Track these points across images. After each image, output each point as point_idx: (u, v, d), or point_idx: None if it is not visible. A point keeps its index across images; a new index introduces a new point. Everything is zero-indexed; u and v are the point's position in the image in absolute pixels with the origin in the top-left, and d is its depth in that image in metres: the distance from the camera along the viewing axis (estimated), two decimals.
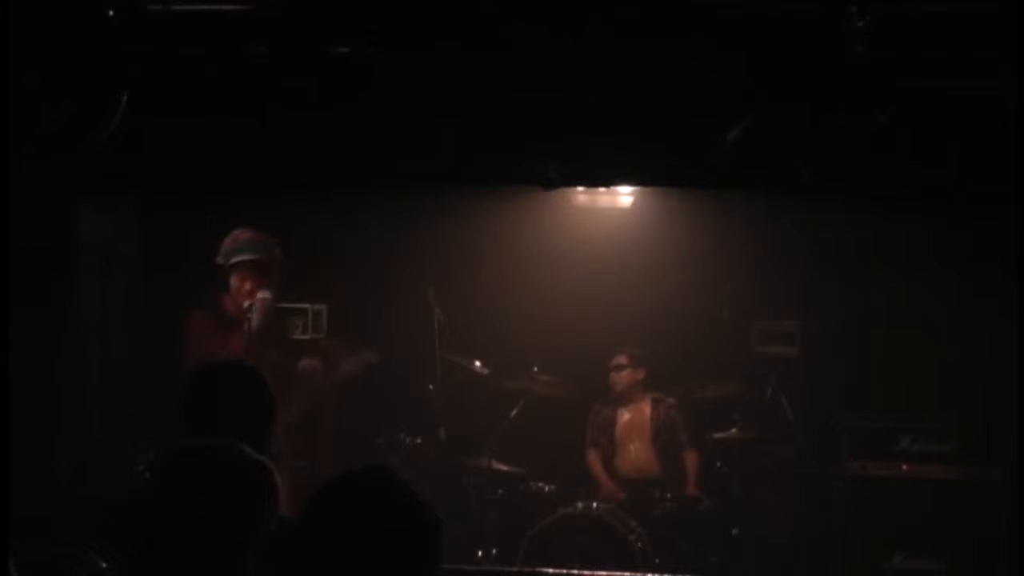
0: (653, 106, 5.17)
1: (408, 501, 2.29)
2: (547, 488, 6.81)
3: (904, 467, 6.66)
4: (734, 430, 6.96)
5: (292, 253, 6.02)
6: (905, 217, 6.42)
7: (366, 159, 5.50)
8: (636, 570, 6.20)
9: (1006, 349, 5.85)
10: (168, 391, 3.97)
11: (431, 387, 6.97)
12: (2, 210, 4.95)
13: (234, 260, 5.74)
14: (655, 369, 7.28)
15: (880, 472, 6.65)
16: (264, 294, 5.66)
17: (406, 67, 5.02)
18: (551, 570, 6.10)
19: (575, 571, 6.09)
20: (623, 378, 7.23)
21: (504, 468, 6.90)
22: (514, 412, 6.99)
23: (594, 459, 7.26)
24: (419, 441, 6.92)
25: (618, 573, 6.13)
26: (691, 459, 7.08)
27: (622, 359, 7.24)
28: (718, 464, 7.04)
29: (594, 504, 6.63)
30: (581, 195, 7.70)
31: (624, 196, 7.73)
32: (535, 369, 7.14)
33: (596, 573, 6.10)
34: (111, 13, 4.74)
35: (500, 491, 6.85)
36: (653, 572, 6.24)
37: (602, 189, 7.48)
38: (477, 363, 7.05)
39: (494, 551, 6.73)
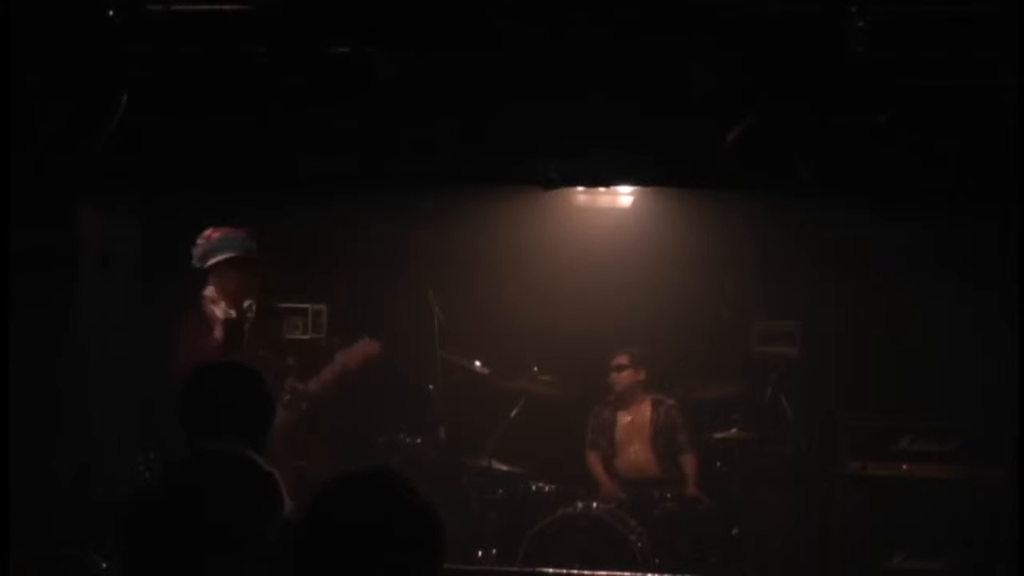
0: (653, 106, 5.17)
1: (412, 501, 2.28)
2: (547, 488, 6.80)
3: (904, 467, 6.65)
4: (734, 430, 6.96)
5: (292, 253, 6.02)
6: (905, 217, 6.43)
7: (366, 159, 5.50)
8: (636, 570, 6.19)
9: (1006, 349, 5.85)
10: (168, 391, 3.98)
11: (431, 387, 6.97)
12: (2, 210, 4.96)
13: (210, 262, 5.58)
14: (655, 369, 7.28)
15: (880, 472, 6.65)
16: (248, 302, 5.55)
17: (406, 67, 5.02)
18: (551, 570, 6.10)
19: (575, 571, 6.09)
20: (624, 378, 7.23)
21: (504, 468, 6.90)
22: (514, 412, 6.99)
23: (594, 460, 7.25)
24: (419, 441, 6.92)
25: (618, 573, 6.13)
26: (691, 460, 7.07)
27: (623, 359, 7.24)
28: (718, 464, 7.04)
29: (594, 504, 6.63)
30: (581, 195, 7.70)
31: (624, 196, 7.74)
32: (535, 369, 7.13)
33: (596, 573, 6.09)
34: (111, 13, 4.74)
35: (500, 491, 6.85)
36: (653, 572, 6.24)
37: (602, 189, 7.49)
38: (477, 363, 7.05)
39: (494, 551, 6.72)
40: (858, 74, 4.83)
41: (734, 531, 6.78)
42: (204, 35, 4.95)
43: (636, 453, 7.21)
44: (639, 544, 6.37)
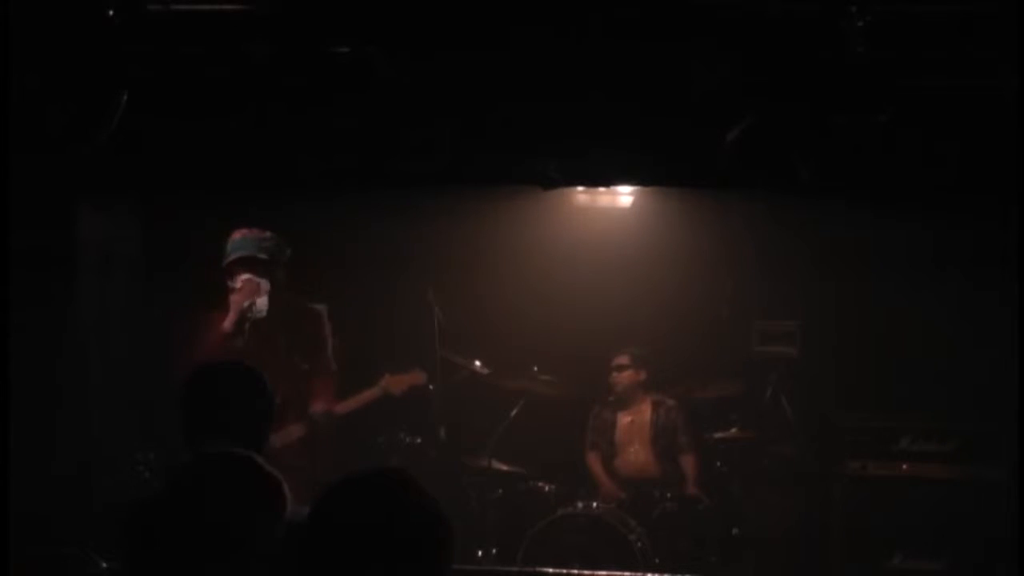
0: (653, 106, 5.17)
1: (417, 503, 2.28)
2: (547, 488, 6.81)
3: (904, 467, 6.66)
4: (734, 430, 6.96)
5: (292, 253, 6.01)
6: (905, 217, 6.43)
7: (366, 159, 5.49)
8: (636, 570, 6.20)
9: (1006, 349, 5.85)
10: (168, 391, 3.97)
11: (431, 387, 6.97)
12: (2, 210, 4.95)
13: (227, 261, 5.58)
14: (656, 369, 7.28)
15: (880, 472, 6.65)
16: (260, 300, 5.55)
17: (406, 67, 5.01)
18: (551, 570, 6.10)
19: (575, 571, 6.09)
20: (625, 378, 7.23)
21: (504, 468, 6.90)
22: (514, 412, 6.99)
23: (594, 461, 7.25)
24: (419, 441, 6.93)
25: (618, 573, 6.13)
26: (691, 461, 7.07)
27: (624, 359, 7.24)
28: (718, 464, 7.04)
29: (594, 504, 6.63)
30: (581, 195, 7.70)
31: (624, 196, 7.74)
32: (535, 369, 7.14)
33: (596, 573, 6.09)
34: (111, 13, 4.73)
35: (500, 491, 6.86)
36: (653, 572, 6.24)
37: (602, 189, 7.49)
38: (477, 363, 7.05)
39: (494, 551, 6.73)
40: (858, 74, 4.82)
41: (734, 531, 6.78)
42: (204, 35, 4.94)
43: (636, 453, 7.21)
44: (639, 544, 6.37)
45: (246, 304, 5.46)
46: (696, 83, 5.03)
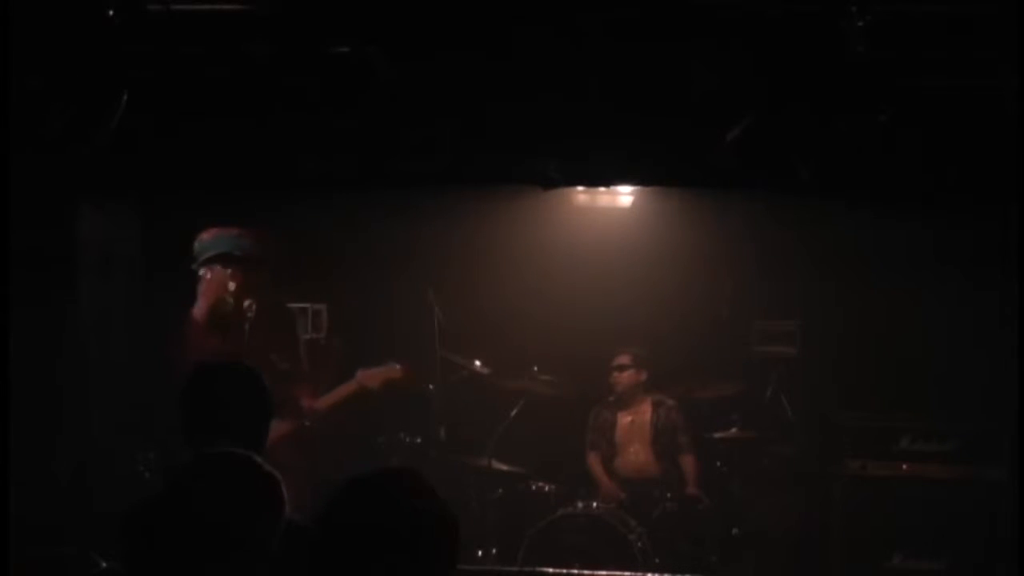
0: (653, 106, 5.17)
1: (420, 504, 2.28)
2: (547, 488, 6.81)
3: (904, 467, 6.66)
4: (734, 430, 6.96)
5: (292, 253, 6.01)
6: (905, 217, 6.43)
7: (366, 159, 5.49)
8: (636, 570, 6.20)
9: (1006, 349, 5.85)
10: (168, 391, 3.97)
11: (431, 387, 6.97)
12: (2, 210, 4.95)
13: (202, 259, 5.63)
14: (656, 369, 7.28)
15: (880, 472, 6.65)
16: (249, 301, 5.56)
17: (406, 67, 5.02)
18: (551, 570, 6.10)
19: (575, 571, 6.09)
20: (625, 378, 7.23)
21: (504, 468, 6.90)
22: (514, 412, 6.99)
23: (594, 461, 7.25)
24: (419, 441, 6.92)
25: (618, 573, 6.13)
26: (691, 461, 7.07)
27: (624, 359, 7.24)
28: (718, 464, 7.04)
29: (594, 504, 6.63)
30: (581, 195, 7.70)
31: (624, 196, 7.74)
32: (535, 369, 7.13)
33: (596, 573, 6.10)
34: (111, 13, 4.73)
35: (500, 491, 6.86)
36: (653, 572, 6.24)
37: (602, 189, 7.49)
38: (477, 363, 7.04)
39: (494, 551, 6.73)
40: (858, 74, 4.82)
41: (734, 531, 6.78)
42: (204, 35, 4.94)
43: (636, 453, 7.21)
44: (639, 544, 6.37)
45: (216, 298, 5.51)
46: (696, 83, 5.03)
